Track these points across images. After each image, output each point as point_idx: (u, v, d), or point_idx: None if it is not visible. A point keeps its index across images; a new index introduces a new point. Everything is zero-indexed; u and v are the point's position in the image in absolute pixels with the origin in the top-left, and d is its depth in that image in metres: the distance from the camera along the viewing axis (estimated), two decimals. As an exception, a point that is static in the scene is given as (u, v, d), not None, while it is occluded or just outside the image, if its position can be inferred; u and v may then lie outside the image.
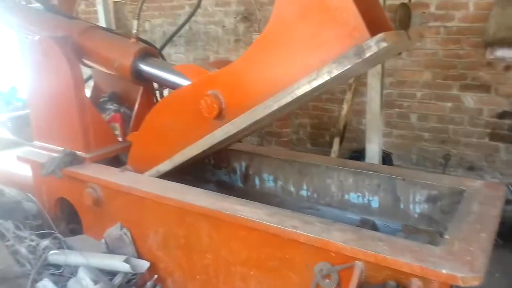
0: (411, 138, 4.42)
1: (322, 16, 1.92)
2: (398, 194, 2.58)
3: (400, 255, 1.67)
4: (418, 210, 2.54)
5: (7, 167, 3.81)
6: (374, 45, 1.76)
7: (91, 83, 3.71)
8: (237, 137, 2.61)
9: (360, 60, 1.80)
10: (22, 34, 3.54)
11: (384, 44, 1.74)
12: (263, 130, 5.30)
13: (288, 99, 2.04)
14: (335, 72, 1.88)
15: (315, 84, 1.95)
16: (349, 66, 1.84)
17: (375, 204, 2.67)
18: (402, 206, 2.58)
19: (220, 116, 2.33)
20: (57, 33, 3.01)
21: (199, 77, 2.48)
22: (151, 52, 3.05)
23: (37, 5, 4.80)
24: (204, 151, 2.53)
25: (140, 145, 2.84)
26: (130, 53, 2.91)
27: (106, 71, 3.12)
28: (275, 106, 2.10)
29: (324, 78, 1.92)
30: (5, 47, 6.36)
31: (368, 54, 1.77)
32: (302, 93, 2.00)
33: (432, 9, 4.13)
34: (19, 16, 3.61)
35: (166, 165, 2.65)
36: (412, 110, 4.37)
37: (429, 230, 2.49)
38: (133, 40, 3.02)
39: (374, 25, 1.84)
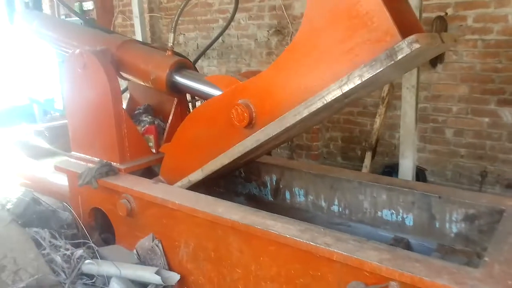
0: (446, 154, 4.30)
1: (353, 21, 1.91)
2: (434, 212, 2.51)
3: (438, 277, 1.62)
4: (454, 230, 2.46)
5: (44, 176, 3.94)
6: (406, 47, 1.72)
7: (126, 95, 3.81)
8: (267, 147, 2.61)
9: (392, 62, 1.76)
10: (63, 48, 3.67)
11: (416, 46, 1.70)
12: (293, 143, 5.28)
13: (319, 104, 2.02)
14: (367, 76, 1.85)
15: (346, 88, 1.92)
16: (380, 69, 1.81)
17: (409, 222, 2.60)
18: (437, 224, 2.51)
19: (251, 125, 2.35)
20: (96, 47, 3.11)
21: (230, 87, 2.52)
22: (186, 64, 3.11)
23: (76, 19, 5.00)
24: (234, 161, 2.53)
25: (172, 156, 2.89)
26: (166, 66, 2.98)
27: (143, 83, 3.20)
28: (305, 113, 2.08)
29: (355, 82, 1.89)
30: (42, 60, 6.63)
31: (400, 56, 1.74)
32: (332, 98, 1.97)
33: (470, 21, 4.04)
34: (60, 31, 3.77)
35: (197, 175, 2.68)
36: (447, 125, 4.26)
37: (466, 250, 2.41)
38: (169, 52, 3.10)
39: (406, 28, 1.81)
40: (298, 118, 2.11)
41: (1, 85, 9.31)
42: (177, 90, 3.06)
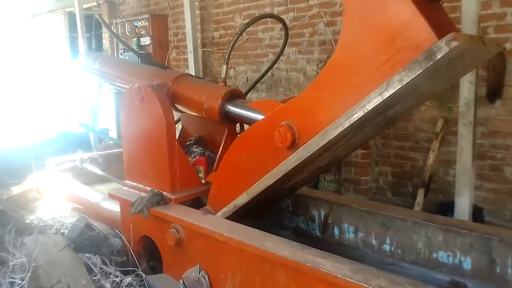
0: (505, 193, 4.06)
1: (389, 32, 1.90)
2: (494, 256, 2.36)
3: (503, 329, 1.51)
4: (517, 276, 2.30)
5: (97, 202, 4.09)
6: (444, 45, 1.68)
7: (178, 126, 3.93)
8: (311, 169, 2.56)
9: (432, 63, 1.72)
10: (122, 85, 3.87)
11: (455, 44, 1.65)
12: (341, 177, 5.19)
13: (360, 114, 2.00)
14: (406, 80, 1.81)
15: (386, 94, 1.89)
16: (420, 71, 1.76)
17: (467, 265, 2.46)
18: (498, 269, 2.35)
19: (294, 145, 2.34)
20: (153, 81, 3.26)
21: (272, 110, 2.54)
22: (237, 94, 3.19)
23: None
24: (278, 182, 2.50)
25: (219, 184, 2.91)
26: (219, 96, 3.06)
27: (197, 114, 3.29)
28: (346, 124, 2.05)
29: (395, 87, 1.86)
30: (98, 92, 7.04)
31: (439, 56, 1.70)
32: (373, 106, 1.94)
33: (530, 56, 3.88)
34: (120, 69, 4.01)
35: (242, 198, 2.67)
36: (506, 163, 4.04)
37: (531, 299, 2.24)
38: (221, 83, 3.19)
39: (441, 31, 1.77)
40: (340, 129, 2.09)
41: (58, 113, 9.92)
42: (229, 119, 3.13)
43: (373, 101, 1.95)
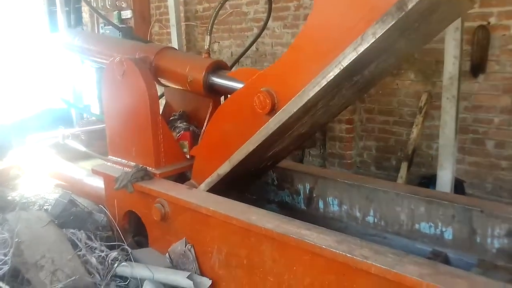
0: (486, 166, 4.14)
1: None
2: (475, 226, 2.41)
3: (482, 295, 1.55)
4: (496, 245, 2.36)
5: (81, 178, 4.04)
6: None
7: (162, 101, 3.87)
8: (292, 133, 2.55)
9: (404, 13, 1.73)
10: (103, 61, 3.77)
11: None
12: (325, 151, 5.22)
13: (336, 71, 2.00)
14: (380, 32, 1.82)
15: (361, 49, 1.89)
16: (393, 23, 1.77)
17: (448, 235, 2.51)
18: (478, 239, 2.41)
19: (273, 111, 2.34)
20: (135, 56, 3.19)
21: (251, 77, 2.52)
22: (222, 66, 3.13)
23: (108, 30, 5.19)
24: (260, 149, 2.50)
25: (202, 157, 2.90)
26: (203, 67, 3.01)
27: (180, 87, 3.24)
28: (323, 82, 2.06)
29: (369, 41, 1.86)
30: (79, 67, 6.88)
31: (410, 5, 1.71)
32: (348, 62, 1.95)
33: (513, 31, 3.90)
34: (100, 44, 3.90)
35: (225, 167, 2.66)
36: (488, 136, 4.11)
37: (508, 267, 2.30)
38: (205, 55, 3.13)
39: None
40: (317, 89, 2.08)
41: (39, 89, 9.69)
42: (214, 91, 3.08)
43: (349, 57, 1.95)
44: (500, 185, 4.08)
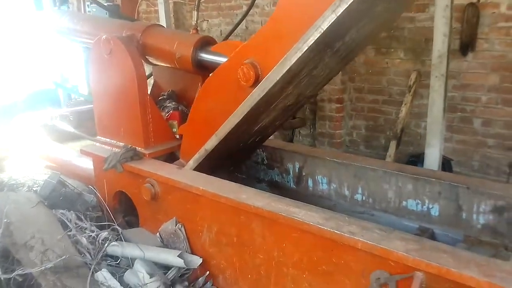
0: (474, 144, 4.19)
1: None
2: (461, 203, 2.46)
3: (466, 268, 1.59)
4: (482, 221, 2.41)
5: (70, 159, 4.02)
6: None
7: (150, 81, 3.83)
8: (277, 104, 2.54)
9: None
10: (90, 40, 3.70)
11: None
12: (315, 131, 5.24)
13: (316, 35, 1.99)
14: None
15: (340, 10, 1.90)
16: None
17: (435, 212, 2.56)
18: (464, 215, 2.46)
19: (258, 83, 2.33)
20: (122, 34, 3.13)
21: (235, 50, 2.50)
22: (210, 42, 3.09)
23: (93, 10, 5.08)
24: (248, 123, 2.49)
25: (190, 135, 2.88)
26: (191, 43, 2.96)
27: (169, 65, 3.19)
28: (304, 47, 2.05)
29: (347, 1, 1.86)
30: (67, 47, 6.74)
31: None
32: (328, 25, 1.94)
33: (503, 9, 3.89)
34: (87, 24, 3.82)
35: (212, 141, 2.64)
36: (475, 115, 4.15)
37: (493, 242, 2.36)
38: (193, 31, 3.08)
39: None
40: (299, 54, 2.08)
41: (27, 70, 9.52)
42: (203, 68, 3.04)
43: (328, 19, 1.94)
44: (486, 163, 4.14)
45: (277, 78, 2.21)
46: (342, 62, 2.71)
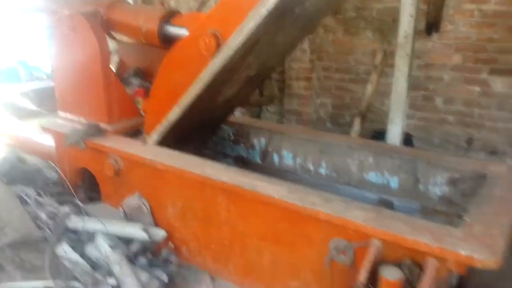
0: (435, 121, 4.32)
1: None
2: (419, 175, 2.54)
3: (419, 234, 1.66)
4: (438, 193, 2.50)
5: (30, 136, 3.90)
6: None
7: (116, 58, 3.73)
8: (240, 75, 2.52)
9: None
10: (51, 17, 3.56)
11: None
12: (283, 108, 5.26)
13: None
14: None
15: None
16: None
17: (394, 184, 2.64)
18: (422, 187, 2.55)
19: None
20: (86, 9, 3.02)
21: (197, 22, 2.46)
22: (176, 15, 3.02)
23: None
24: (210, 94, 2.46)
25: (153, 111, 2.82)
26: (157, 17, 2.87)
27: (135, 40, 3.11)
28: (263, 12, 2.05)
29: None
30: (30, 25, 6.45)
31: None
32: None
33: (468, -10, 3.98)
34: (49, 0, 3.65)
35: (174, 112, 2.60)
36: (438, 93, 4.27)
37: (448, 212, 2.46)
38: (159, 4, 3.00)
39: None
40: (258, 19, 2.07)
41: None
42: (170, 42, 2.97)
43: None
44: (446, 139, 4.28)
45: (238, 45, 2.18)
46: (303, 31, 2.70)
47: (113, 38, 3.24)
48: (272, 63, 2.80)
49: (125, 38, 3.23)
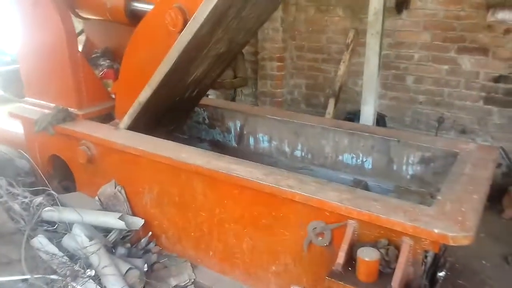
0: (406, 101, 4.39)
1: None
2: (392, 155, 2.59)
3: (393, 214, 1.70)
4: (410, 172, 2.56)
5: (-2, 124, 3.76)
6: None
7: (82, 38, 3.61)
8: (209, 52, 2.48)
9: None
10: None
11: None
12: (257, 90, 5.24)
13: None
14: None
15: None
16: None
17: (368, 165, 2.69)
18: (395, 167, 2.60)
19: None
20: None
21: None
22: None
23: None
24: (181, 73, 2.42)
25: (123, 92, 2.77)
26: None
27: (100, 17, 3.00)
28: None
29: None
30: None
31: None
32: None
33: (435, -33, 4.00)
34: None
35: (145, 92, 2.54)
36: (408, 72, 4.32)
37: (420, 191, 2.53)
38: None
39: None
40: None
41: None
42: (137, 18, 2.87)
43: None
44: (417, 118, 4.37)
45: (204, 18, 2.14)
46: (272, 4, 2.67)
47: (79, 16, 3.12)
48: (242, 39, 2.74)
49: (90, 16, 3.11)
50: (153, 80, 2.47)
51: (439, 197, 1.84)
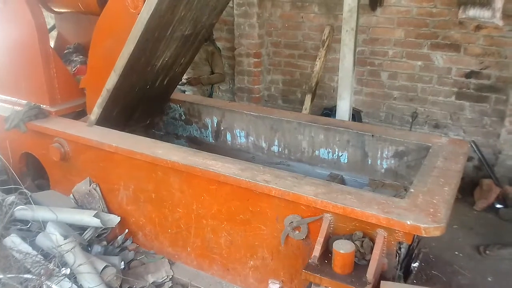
0: (381, 96, 4.47)
1: None
2: (367, 150, 2.64)
3: (368, 207, 1.73)
4: (385, 165, 2.61)
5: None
6: None
7: (54, 34, 3.53)
8: (174, 33, 2.45)
9: None
10: None
11: None
12: (234, 86, 5.24)
13: None
14: None
15: None
16: None
17: (344, 159, 2.72)
18: (370, 161, 2.65)
19: None
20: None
21: None
22: None
23: None
24: (146, 57, 2.39)
25: (93, 85, 2.71)
26: None
27: (73, 9, 2.93)
28: None
29: None
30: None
31: None
32: None
33: (408, -36, 4.07)
34: None
35: (112, 79, 2.48)
36: (383, 68, 4.39)
37: (394, 184, 2.58)
38: None
39: None
40: None
41: None
42: None
43: None
44: (392, 113, 4.45)
45: None
46: None
47: (51, 10, 3.05)
48: (207, 20, 2.69)
49: (63, 9, 3.04)
50: (117, 64, 2.41)
51: (411, 190, 1.88)
